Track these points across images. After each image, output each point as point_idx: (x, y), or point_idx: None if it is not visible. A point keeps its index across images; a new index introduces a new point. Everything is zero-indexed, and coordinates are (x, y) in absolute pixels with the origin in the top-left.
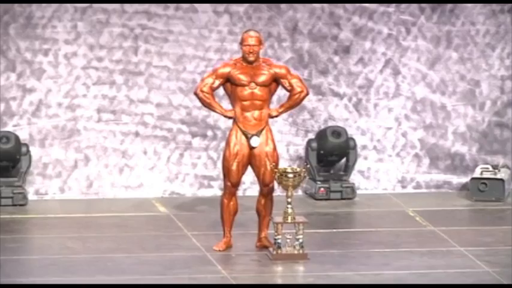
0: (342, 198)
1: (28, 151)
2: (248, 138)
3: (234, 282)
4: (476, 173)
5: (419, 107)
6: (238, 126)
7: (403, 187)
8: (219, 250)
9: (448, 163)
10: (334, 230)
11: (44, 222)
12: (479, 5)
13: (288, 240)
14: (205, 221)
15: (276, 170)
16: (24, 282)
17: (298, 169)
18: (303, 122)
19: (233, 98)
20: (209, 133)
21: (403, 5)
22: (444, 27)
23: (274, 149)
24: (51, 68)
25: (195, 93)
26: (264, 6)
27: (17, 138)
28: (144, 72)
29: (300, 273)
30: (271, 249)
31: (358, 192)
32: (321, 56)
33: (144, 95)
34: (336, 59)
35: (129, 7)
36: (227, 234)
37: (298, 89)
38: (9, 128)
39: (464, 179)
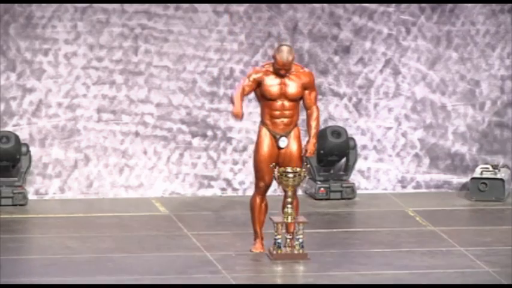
0: (342, 198)
1: (28, 151)
2: (277, 139)
3: (234, 282)
4: (476, 173)
5: (419, 107)
6: (267, 128)
7: (403, 187)
8: (260, 252)
9: (448, 163)
10: (334, 230)
11: (44, 222)
12: (479, 5)
13: (288, 240)
14: (205, 221)
15: (275, 170)
16: (24, 282)
17: (298, 169)
18: (303, 122)
19: (263, 104)
20: (209, 133)
21: (403, 5)
22: (444, 27)
23: (300, 149)
24: (51, 67)
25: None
26: (264, 6)
27: (17, 138)
28: (144, 72)
29: (300, 273)
30: (271, 248)
31: (358, 192)
32: (321, 56)
33: (144, 95)
34: (336, 59)
35: (129, 7)
36: (261, 234)
37: (315, 109)
38: (9, 128)
39: (464, 179)
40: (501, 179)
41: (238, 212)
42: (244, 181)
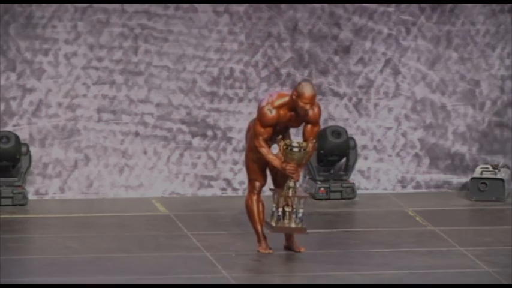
0: (342, 198)
1: (28, 151)
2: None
3: (234, 282)
4: (476, 173)
5: (419, 107)
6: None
7: (403, 187)
8: (269, 252)
9: (448, 163)
10: (334, 230)
11: (44, 222)
12: (479, 5)
13: (288, 214)
14: (205, 221)
15: (281, 143)
16: (24, 282)
17: (304, 143)
18: None
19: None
20: (209, 133)
21: (403, 5)
22: (444, 27)
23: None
24: (51, 67)
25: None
26: (264, 6)
27: (17, 138)
28: (144, 72)
29: (300, 273)
30: (272, 222)
31: (358, 192)
32: (321, 55)
33: (144, 95)
34: (336, 59)
35: (129, 7)
36: (263, 234)
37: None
38: (9, 128)
39: (464, 179)
40: (501, 179)
41: (238, 212)
42: (244, 181)
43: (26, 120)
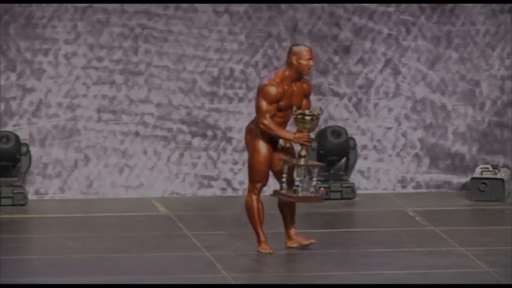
0: (342, 198)
1: (28, 151)
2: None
3: (234, 282)
4: (476, 173)
5: (419, 107)
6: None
7: (403, 187)
8: (269, 252)
9: (448, 163)
10: (334, 230)
11: (44, 222)
12: (479, 5)
13: (303, 184)
14: (205, 221)
15: (297, 112)
16: (25, 282)
17: (315, 112)
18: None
19: None
20: (209, 133)
21: (403, 5)
22: (444, 27)
23: (292, 147)
24: (51, 67)
25: (260, 126)
26: (264, 6)
27: (17, 138)
28: (144, 72)
29: (300, 273)
30: (285, 191)
31: (358, 192)
32: (321, 55)
33: (144, 95)
34: (336, 59)
35: (129, 7)
36: (264, 234)
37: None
38: (9, 128)
39: (464, 179)
40: (501, 179)
41: (238, 212)
42: (244, 181)
43: (26, 120)
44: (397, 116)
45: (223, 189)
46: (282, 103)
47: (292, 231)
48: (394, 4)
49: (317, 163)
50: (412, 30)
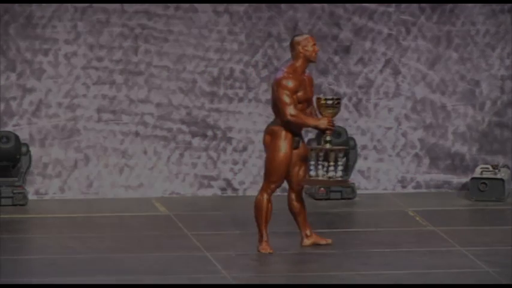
0: (342, 198)
1: (28, 151)
2: (295, 141)
3: (234, 282)
4: (476, 173)
5: (419, 107)
6: (290, 130)
7: (403, 187)
8: (269, 252)
9: (448, 163)
10: (334, 230)
11: (44, 222)
12: (479, 5)
13: (326, 168)
14: (205, 221)
15: (321, 99)
16: (24, 282)
17: (335, 97)
18: None
19: None
20: (209, 133)
21: (403, 5)
22: (444, 27)
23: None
24: (51, 67)
25: (287, 121)
26: (264, 6)
27: (17, 138)
28: (144, 72)
29: (300, 273)
30: (313, 176)
31: (358, 192)
32: (321, 56)
33: (144, 95)
34: (336, 59)
35: (129, 7)
36: (267, 235)
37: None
38: (9, 128)
39: (464, 179)
40: (501, 179)
41: (238, 212)
42: (244, 181)
43: (26, 120)
44: (397, 116)
45: (223, 189)
46: (300, 94)
47: (308, 231)
48: (394, 4)
49: (341, 147)
50: (412, 30)
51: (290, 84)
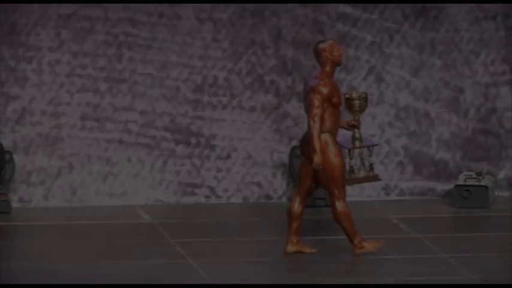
0: (326, 206)
1: (12, 159)
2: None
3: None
4: (460, 180)
5: (403, 114)
6: (333, 135)
7: (387, 194)
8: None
9: (432, 170)
10: (319, 238)
11: (28, 230)
12: (463, 12)
13: (357, 164)
14: (189, 229)
15: (353, 97)
16: None
17: (363, 94)
18: (286, 129)
19: (327, 113)
20: (193, 140)
21: (387, 12)
22: (428, 34)
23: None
24: (34, 75)
25: (310, 120)
26: (247, 13)
27: (0, 145)
28: (128, 79)
29: (285, 282)
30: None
31: None
32: (304, 63)
33: (127, 103)
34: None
35: (113, 14)
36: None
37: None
38: None
39: (448, 186)
40: (485, 186)
41: (222, 219)
42: (228, 188)
43: (9, 128)
44: (381, 124)
45: (207, 196)
46: (335, 99)
47: (296, 238)
48: (377, 11)
49: (371, 143)
50: (396, 38)
51: (325, 90)
